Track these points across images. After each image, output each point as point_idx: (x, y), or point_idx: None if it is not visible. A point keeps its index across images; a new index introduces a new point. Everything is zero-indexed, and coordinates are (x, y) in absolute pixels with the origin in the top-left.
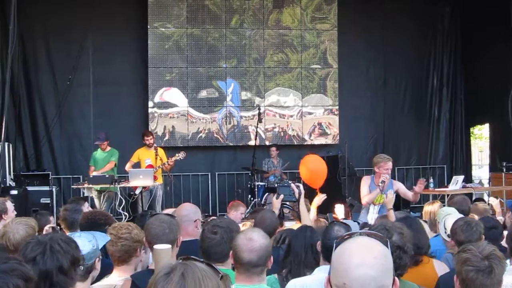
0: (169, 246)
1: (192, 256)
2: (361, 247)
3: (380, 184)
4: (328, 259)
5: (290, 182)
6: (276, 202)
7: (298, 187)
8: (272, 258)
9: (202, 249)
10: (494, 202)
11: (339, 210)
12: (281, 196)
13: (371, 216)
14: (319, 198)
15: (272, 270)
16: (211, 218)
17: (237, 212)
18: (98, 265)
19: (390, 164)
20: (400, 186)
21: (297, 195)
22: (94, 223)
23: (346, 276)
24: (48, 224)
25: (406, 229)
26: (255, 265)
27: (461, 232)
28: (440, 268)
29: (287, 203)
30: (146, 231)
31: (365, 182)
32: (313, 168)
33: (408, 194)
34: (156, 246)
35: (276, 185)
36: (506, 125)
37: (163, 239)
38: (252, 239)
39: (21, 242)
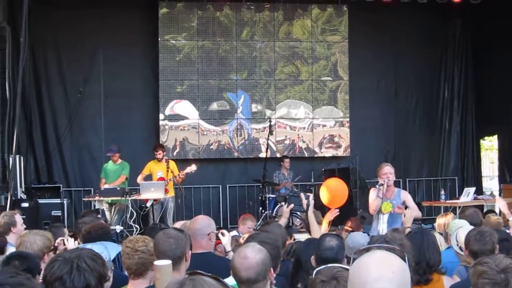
0: (169, 262)
1: (199, 271)
2: (380, 261)
3: (378, 187)
4: None
5: (300, 192)
6: (285, 212)
7: (307, 197)
8: (272, 269)
9: None
10: (501, 203)
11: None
12: (291, 206)
13: (381, 227)
14: (332, 214)
15: (280, 283)
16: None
17: (244, 226)
18: (110, 276)
19: (386, 169)
20: (408, 198)
21: (305, 206)
22: (95, 236)
23: None
24: (63, 236)
25: (405, 240)
26: (254, 281)
27: (474, 242)
28: (450, 284)
29: (298, 213)
30: (154, 246)
31: (372, 192)
32: (336, 194)
33: (412, 210)
34: (156, 262)
35: (286, 195)
36: None
37: (169, 255)
38: (247, 257)
39: (38, 253)
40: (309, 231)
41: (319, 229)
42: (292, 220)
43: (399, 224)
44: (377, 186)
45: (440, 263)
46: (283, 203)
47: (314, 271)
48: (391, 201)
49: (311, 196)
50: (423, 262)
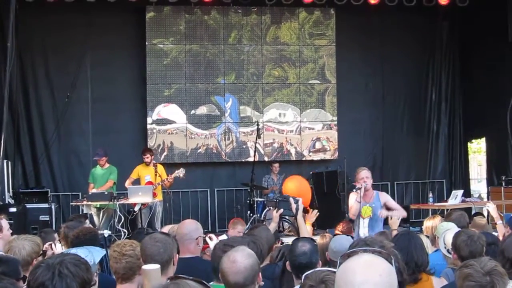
0: (158, 266)
1: (181, 275)
2: (366, 264)
3: (355, 191)
4: (299, 277)
5: (289, 196)
6: (275, 216)
7: (297, 202)
8: (260, 275)
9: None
10: (491, 207)
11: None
12: (281, 210)
13: (363, 231)
14: (313, 215)
15: (268, 287)
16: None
17: (234, 230)
18: (96, 280)
19: (363, 173)
20: (387, 199)
21: (294, 210)
22: (83, 241)
23: None
24: (53, 241)
25: (387, 241)
26: (242, 285)
27: (465, 247)
28: (439, 285)
29: (287, 217)
30: (141, 250)
31: (352, 197)
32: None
33: (396, 210)
34: (144, 267)
35: (275, 199)
36: (502, 139)
37: (157, 259)
38: (236, 261)
39: (26, 258)
40: (298, 235)
41: (308, 233)
42: (283, 224)
43: (380, 227)
44: (355, 190)
45: (428, 264)
46: (271, 207)
47: (303, 276)
48: (370, 205)
49: (300, 200)
50: (412, 262)
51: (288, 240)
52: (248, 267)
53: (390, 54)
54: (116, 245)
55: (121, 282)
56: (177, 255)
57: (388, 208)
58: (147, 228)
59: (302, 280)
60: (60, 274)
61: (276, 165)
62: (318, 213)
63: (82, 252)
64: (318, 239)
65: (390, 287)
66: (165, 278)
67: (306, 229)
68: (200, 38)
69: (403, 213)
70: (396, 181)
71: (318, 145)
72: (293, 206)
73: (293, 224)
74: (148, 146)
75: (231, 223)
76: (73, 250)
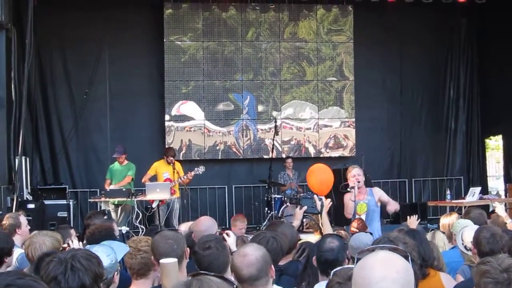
0: (175, 259)
1: (203, 271)
2: (384, 261)
3: (350, 191)
4: (325, 273)
5: (313, 194)
6: (299, 213)
7: (320, 199)
8: (273, 267)
9: (202, 268)
10: (498, 207)
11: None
12: (304, 207)
13: None
14: (327, 203)
15: (291, 284)
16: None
17: (235, 228)
18: (116, 279)
19: (355, 171)
20: (381, 194)
21: (319, 208)
22: (99, 238)
23: None
24: (69, 237)
25: (408, 238)
26: (256, 278)
27: (486, 244)
28: (447, 280)
29: (309, 214)
30: (154, 250)
31: (345, 197)
32: (321, 177)
33: (390, 205)
34: (162, 260)
35: (297, 196)
36: None
37: (172, 256)
38: (247, 254)
39: None
40: (319, 231)
41: (331, 230)
42: (303, 221)
43: (377, 220)
44: (348, 189)
45: (435, 260)
46: (288, 204)
47: (332, 272)
48: (364, 201)
49: (324, 198)
50: (419, 257)
51: (306, 237)
52: (260, 258)
53: (408, 51)
54: (131, 241)
55: (136, 278)
56: (188, 249)
57: (383, 203)
58: (160, 225)
59: (331, 276)
60: (73, 268)
61: (289, 160)
62: (331, 203)
63: (104, 250)
64: None
65: (408, 284)
66: (180, 272)
67: (330, 227)
68: (218, 35)
69: (396, 206)
70: (414, 178)
71: (335, 142)
72: (318, 203)
73: (316, 222)
74: (166, 143)
75: (232, 220)
76: (96, 248)
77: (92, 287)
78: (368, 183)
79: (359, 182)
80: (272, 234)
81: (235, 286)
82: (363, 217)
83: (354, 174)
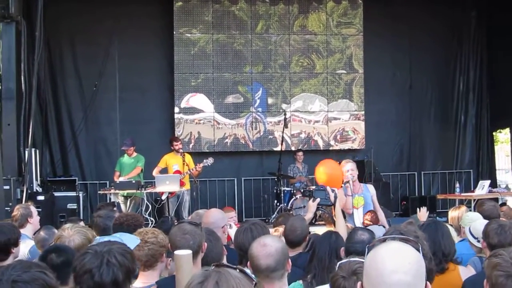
0: (189, 251)
1: (224, 263)
2: (395, 252)
3: (345, 186)
4: None
5: (326, 186)
6: (312, 206)
7: (333, 191)
8: (290, 261)
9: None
10: (510, 199)
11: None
12: (317, 200)
13: (359, 221)
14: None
15: (299, 275)
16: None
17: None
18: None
19: (349, 166)
20: (374, 193)
21: (332, 199)
22: (125, 226)
23: (380, 281)
24: None
25: (420, 231)
26: (273, 269)
27: (495, 235)
28: (465, 274)
29: (322, 206)
30: (170, 242)
31: (340, 192)
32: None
33: (378, 213)
34: (176, 252)
35: (310, 189)
36: None
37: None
38: (266, 245)
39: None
40: (332, 223)
41: (345, 223)
42: (315, 213)
43: None
44: (343, 185)
45: (455, 253)
46: (297, 196)
47: (338, 264)
48: (359, 195)
49: (336, 190)
50: (439, 252)
51: (313, 229)
52: (279, 250)
53: (417, 44)
54: (138, 232)
55: (143, 269)
56: (205, 243)
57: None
58: (172, 217)
59: (337, 268)
60: (108, 262)
61: (300, 153)
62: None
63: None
64: None
65: (420, 275)
66: (194, 266)
67: (342, 220)
68: (228, 28)
69: (383, 221)
70: (423, 171)
71: (344, 135)
72: (331, 195)
73: (330, 214)
74: (175, 135)
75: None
76: (106, 238)
77: (124, 282)
78: (377, 176)
79: (353, 176)
80: (251, 223)
81: (254, 282)
82: (361, 210)
83: (348, 169)
